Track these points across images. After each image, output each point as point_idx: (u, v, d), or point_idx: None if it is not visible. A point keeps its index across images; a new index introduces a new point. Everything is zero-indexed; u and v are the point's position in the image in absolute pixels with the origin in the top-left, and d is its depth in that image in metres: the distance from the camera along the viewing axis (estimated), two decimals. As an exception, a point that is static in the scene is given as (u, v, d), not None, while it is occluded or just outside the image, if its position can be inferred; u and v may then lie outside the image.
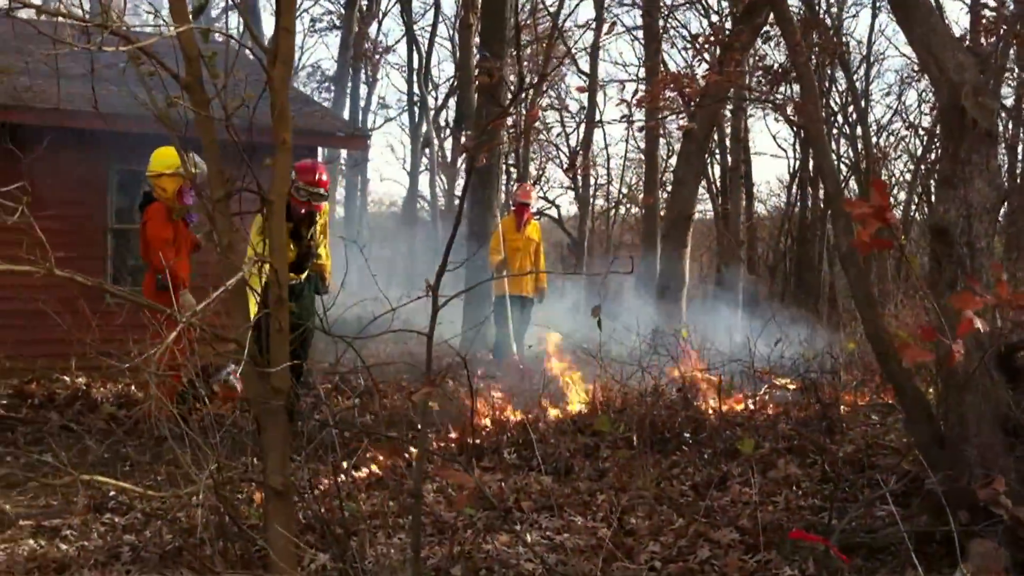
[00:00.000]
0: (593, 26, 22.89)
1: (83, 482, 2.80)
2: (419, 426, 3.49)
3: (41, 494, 5.61)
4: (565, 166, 29.58)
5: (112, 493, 5.31)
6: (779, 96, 5.79)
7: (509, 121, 15.82)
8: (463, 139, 23.60)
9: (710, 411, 7.01)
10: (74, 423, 7.14)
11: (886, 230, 2.27)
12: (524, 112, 19.68)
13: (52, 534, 4.98)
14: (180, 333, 3.02)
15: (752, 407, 7.11)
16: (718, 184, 26.55)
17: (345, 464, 5.00)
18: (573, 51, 25.20)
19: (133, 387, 8.14)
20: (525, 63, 22.82)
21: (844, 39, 22.10)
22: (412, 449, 6.28)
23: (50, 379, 8.79)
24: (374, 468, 5.97)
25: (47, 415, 7.64)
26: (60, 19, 3.49)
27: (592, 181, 29.39)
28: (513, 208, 11.57)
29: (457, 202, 27.62)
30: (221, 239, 3.65)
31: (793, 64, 5.26)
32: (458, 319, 10.85)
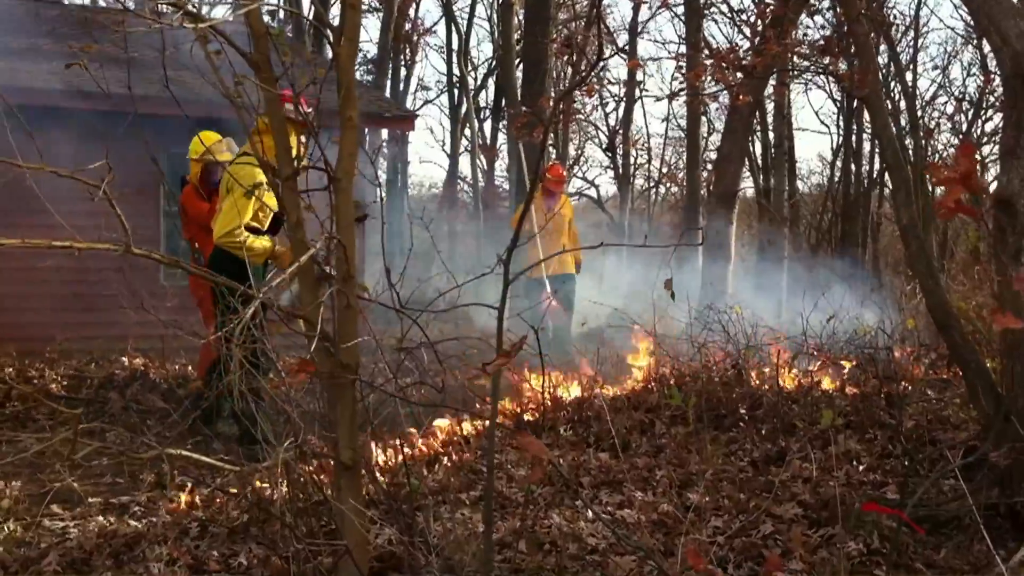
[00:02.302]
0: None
1: (168, 456, 2.84)
2: (489, 400, 3.51)
3: (107, 472, 5.70)
4: (604, 145, 29.49)
5: (176, 471, 5.38)
6: (835, 67, 5.71)
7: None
8: (503, 119, 23.58)
9: (766, 387, 6.99)
10: (134, 403, 7.26)
11: (972, 198, 2.25)
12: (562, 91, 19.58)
13: (121, 511, 5.07)
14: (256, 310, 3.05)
15: (809, 383, 7.07)
16: (760, 161, 26.34)
17: (409, 438, 5.05)
18: (614, 32, 25.04)
19: (190, 367, 8.25)
20: (560, 43, 22.72)
21: (886, 10, 21.73)
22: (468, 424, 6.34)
23: (108, 360, 8.93)
24: (434, 444, 6.03)
25: (107, 395, 7.77)
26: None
27: (632, 160, 29.26)
28: (541, 186, 11.04)
29: (490, 182, 27.65)
30: (289, 217, 3.68)
31: (852, 34, 5.21)
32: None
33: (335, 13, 24.33)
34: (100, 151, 3.27)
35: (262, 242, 6.12)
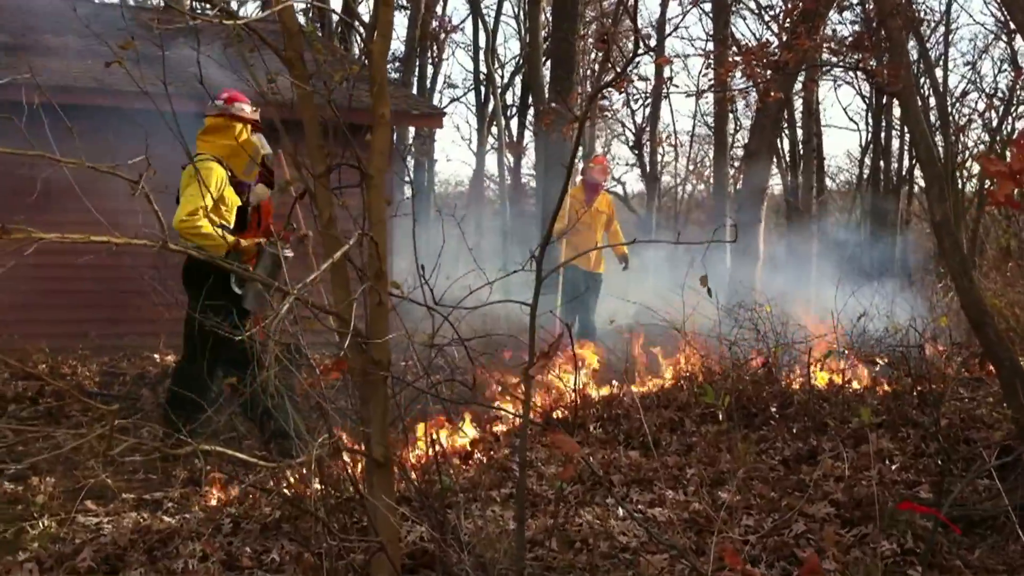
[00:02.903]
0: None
1: (203, 453, 2.86)
2: (523, 397, 3.50)
3: (140, 468, 5.74)
4: (631, 143, 29.45)
5: (209, 467, 5.40)
6: (867, 63, 5.64)
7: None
8: (530, 116, 23.57)
9: (796, 385, 6.95)
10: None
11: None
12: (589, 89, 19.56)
13: (154, 507, 5.10)
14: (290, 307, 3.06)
15: (841, 381, 7.03)
16: (788, 158, 26.21)
17: (442, 435, 5.04)
18: (642, 29, 24.92)
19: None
20: (597, 37, 22.67)
21: (916, 6, 21.50)
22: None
23: (140, 357, 8.99)
24: (464, 442, 6.03)
25: (139, 391, 7.82)
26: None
27: (659, 158, 29.22)
28: (581, 179, 10.89)
29: (535, 177, 27.63)
30: (322, 213, 3.69)
31: (886, 29, 5.17)
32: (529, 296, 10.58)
33: (362, 11, 24.36)
34: (131, 149, 3.30)
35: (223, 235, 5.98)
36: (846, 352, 7.60)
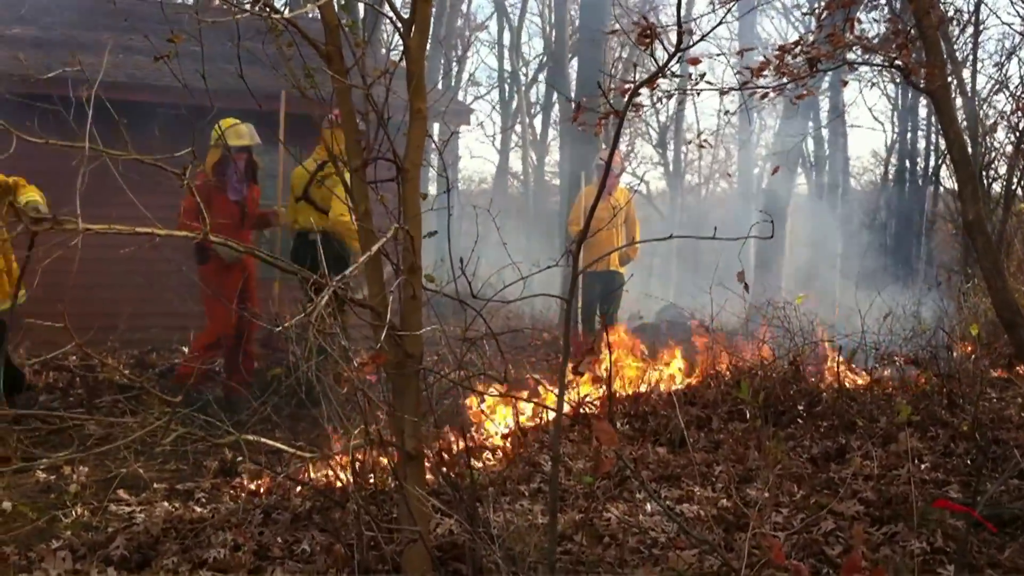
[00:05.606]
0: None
1: (246, 442, 2.89)
2: (557, 392, 3.51)
3: (171, 458, 5.78)
4: (655, 141, 29.39)
5: (240, 458, 5.44)
6: (905, 59, 5.58)
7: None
8: (554, 114, 23.55)
9: (823, 384, 6.93)
10: (194, 391, 7.33)
11: None
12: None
13: (186, 497, 5.14)
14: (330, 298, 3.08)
15: (869, 380, 7.01)
16: (812, 158, 26.09)
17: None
18: (665, 27, 24.91)
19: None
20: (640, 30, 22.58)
21: (943, 6, 21.30)
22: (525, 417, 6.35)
23: (168, 349, 9.03)
24: (495, 437, 6.05)
25: (167, 383, 7.86)
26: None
27: (683, 156, 29.17)
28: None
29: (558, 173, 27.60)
30: (358, 207, 3.72)
31: (920, 27, 5.15)
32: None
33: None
34: (163, 144, 3.32)
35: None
36: (874, 351, 7.57)
